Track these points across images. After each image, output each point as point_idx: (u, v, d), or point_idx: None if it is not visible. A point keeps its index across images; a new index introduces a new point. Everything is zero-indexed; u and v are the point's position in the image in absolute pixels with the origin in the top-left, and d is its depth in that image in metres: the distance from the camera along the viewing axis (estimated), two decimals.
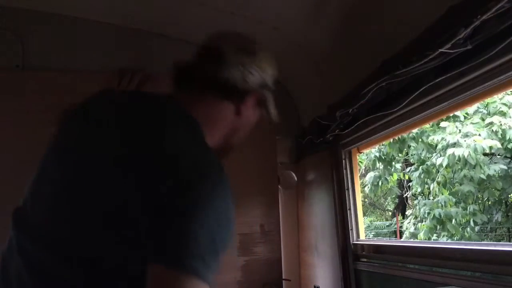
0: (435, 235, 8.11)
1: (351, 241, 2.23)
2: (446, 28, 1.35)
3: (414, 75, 1.55)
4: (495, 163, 7.76)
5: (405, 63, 1.56)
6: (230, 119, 1.13)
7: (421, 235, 8.07)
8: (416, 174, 8.16)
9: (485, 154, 7.73)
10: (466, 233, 7.82)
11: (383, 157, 8.12)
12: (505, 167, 7.69)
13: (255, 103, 1.15)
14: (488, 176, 7.31)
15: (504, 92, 6.37)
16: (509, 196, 8.79)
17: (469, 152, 6.64)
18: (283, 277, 2.62)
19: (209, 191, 0.83)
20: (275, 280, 2.56)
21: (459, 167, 7.11)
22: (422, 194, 9.77)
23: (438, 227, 7.89)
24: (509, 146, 6.89)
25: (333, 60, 2.25)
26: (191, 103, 1.07)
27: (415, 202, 9.61)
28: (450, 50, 1.34)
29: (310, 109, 2.70)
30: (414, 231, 8.70)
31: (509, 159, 8.22)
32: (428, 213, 7.94)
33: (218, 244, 0.84)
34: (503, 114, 6.74)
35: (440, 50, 1.36)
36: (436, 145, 7.29)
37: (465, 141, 6.75)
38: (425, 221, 8.11)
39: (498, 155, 7.90)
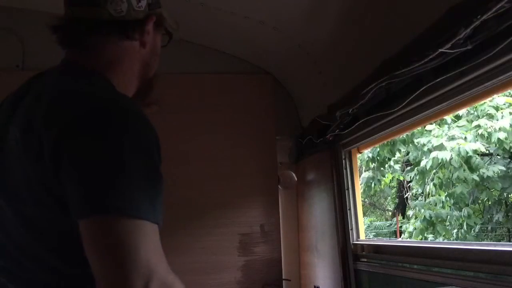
0: (431, 235, 8.14)
1: (351, 241, 2.23)
2: (446, 28, 1.35)
3: (414, 75, 1.55)
4: (495, 163, 7.76)
5: (405, 63, 1.56)
6: (137, 55, 1.03)
7: (413, 236, 8.13)
8: (412, 174, 8.21)
9: (483, 155, 7.74)
10: (460, 234, 7.84)
11: (376, 158, 8.16)
12: (503, 168, 7.69)
13: (154, 27, 1.06)
14: (487, 177, 7.33)
15: (502, 93, 6.38)
16: (509, 196, 8.79)
17: (452, 155, 6.69)
18: (283, 277, 2.62)
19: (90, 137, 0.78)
20: (275, 280, 2.56)
21: (454, 167, 7.14)
22: (422, 195, 9.78)
23: (428, 228, 7.94)
24: (494, 148, 6.93)
25: (333, 60, 2.26)
26: (90, 57, 0.97)
27: (415, 202, 9.62)
28: (450, 50, 1.34)
29: (310, 109, 2.70)
30: (412, 231, 8.73)
31: (509, 160, 8.22)
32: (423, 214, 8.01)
33: (136, 175, 0.76)
34: (490, 116, 6.76)
35: (440, 50, 1.36)
36: (423, 146, 7.35)
37: (449, 144, 6.81)
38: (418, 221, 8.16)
39: (498, 155, 7.90)
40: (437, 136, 7.01)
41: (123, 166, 0.76)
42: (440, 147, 6.85)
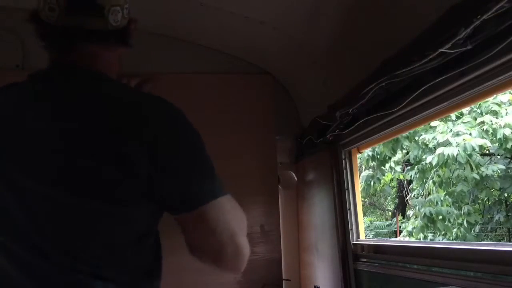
0: (430, 234, 8.14)
1: (351, 241, 2.23)
2: (446, 28, 1.35)
3: (414, 75, 1.55)
4: (495, 163, 7.76)
5: (405, 63, 1.56)
6: (120, 57, 1.12)
7: (414, 234, 8.12)
8: (412, 173, 8.20)
9: (484, 155, 7.74)
10: (459, 232, 7.84)
11: (376, 157, 8.15)
12: (503, 167, 7.69)
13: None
14: (486, 176, 7.33)
15: (503, 92, 6.39)
16: (510, 196, 8.78)
17: (459, 150, 6.68)
18: (283, 277, 2.62)
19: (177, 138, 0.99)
20: (275, 280, 2.56)
21: (456, 167, 7.14)
22: (422, 195, 9.78)
23: (429, 225, 7.94)
24: (495, 148, 6.93)
25: (333, 60, 2.26)
26: (93, 61, 1.04)
27: (415, 200, 9.63)
28: (450, 50, 1.34)
29: (310, 109, 2.70)
30: (411, 230, 8.74)
31: (509, 159, 8.22)
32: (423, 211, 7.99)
33: (206, 163, 1.01)
34: (495, 113, 6.77)
35: (440, 50, 1.36)
36: (427, 144, 7.34)
37: (455, 140, 6.80)
38: (419, 218, 8.15)
39: (498, 155, 7.90)
40: (442, 132, 7.00)
41: (206, 159, 1.01)
42: (446, 143, 6.83)
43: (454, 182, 7.63)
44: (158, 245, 1.06)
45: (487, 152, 7.60)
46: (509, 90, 6.49)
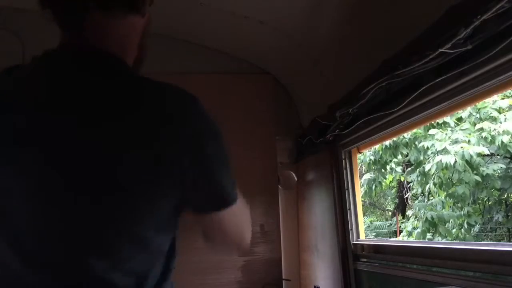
0: (429, 235, 8.15)
1: (351, 241, 2.23)
2: (446, 28, 1.35)
3: (414, 75, 1.55)
4: (495, 162, 7.75)
5: (405, 63, 1.56)
6: (139, 27, 1.02)
7: (415, 237, 8.13)
8: (414, 176, 8.21)
9: (485, 155, 7.73)
10: (460, 234, 7.85)
11: (378, 161, 8.17)
12: (504, 166, 7.69)
13: None
14: (487, 175, 7.32)
15: (502, 93, 6.37)
16: (510, 196, 8.78)
17: (456, 159, 6.68)
18: (283, 277, 2.62)
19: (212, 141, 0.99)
20: (275, 280, 2.57)
21: (456, 169, 7.15)
22: (422, 194, 9.79)
23: (430, 229, 7.95)
24: (495, 148, 6.92)
25: (333, 60, 2.26)
26: (105, 39, 0.95)
27: (416, 202, 9.63)
28: (450, 50, 1.34)
29: (310, 109, 2.70)
30: (411, 230, 8.75)
31: (509, 159, 8.22)
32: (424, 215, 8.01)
33: (229, 167, 1.01)
34: (493, 119, 6.74)
35: (440, 50, 1.36)
36: (428, 148, 7.34)
37: (453, 148, 6.79)
38: (421, 223, 8.16)
39: (498, 155, 7.89)
40: (440, 140, 6.99)
41: (228, 156, 1.02)
42: (444, 151, 6.83)
43: (454, 183, 7.62)
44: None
45: (488, 153, 7.59)
46: (508, 92, 6.50)
